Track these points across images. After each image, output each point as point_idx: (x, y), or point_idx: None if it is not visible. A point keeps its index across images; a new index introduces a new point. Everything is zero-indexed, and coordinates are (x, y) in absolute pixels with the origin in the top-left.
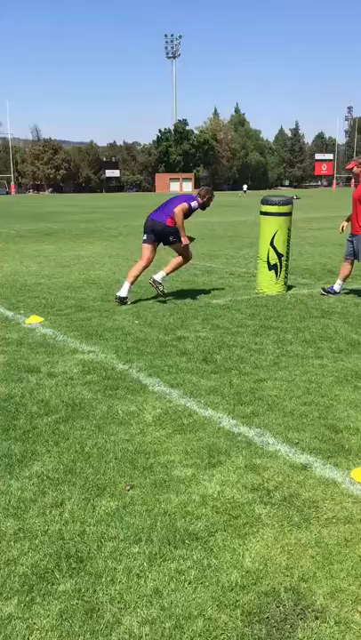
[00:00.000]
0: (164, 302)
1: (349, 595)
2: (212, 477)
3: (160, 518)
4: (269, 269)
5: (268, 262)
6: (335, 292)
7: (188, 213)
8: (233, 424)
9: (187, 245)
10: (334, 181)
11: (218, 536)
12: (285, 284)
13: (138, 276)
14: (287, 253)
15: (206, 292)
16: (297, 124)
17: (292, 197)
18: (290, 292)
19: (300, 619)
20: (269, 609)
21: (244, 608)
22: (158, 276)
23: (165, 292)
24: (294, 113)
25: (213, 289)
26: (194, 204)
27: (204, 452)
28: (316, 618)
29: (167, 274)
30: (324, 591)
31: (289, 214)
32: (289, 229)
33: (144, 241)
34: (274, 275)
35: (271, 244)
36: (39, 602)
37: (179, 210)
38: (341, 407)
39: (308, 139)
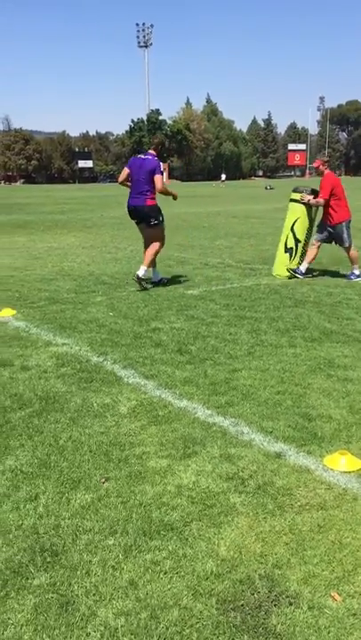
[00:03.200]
0: (139, 292)
1: (322, 580)
2: (188, 468)
3: (135, 510)
4: (285, 251)
5: (286, 245)
6: (301, 274)
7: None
8: (208, 414)
9: (162, 230)
10: (307, 171)
11: (193, 526)
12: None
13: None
14: (306, 240)
15: (181, 282)
16: (269, 115)
17: (266, 187)
18: (264, 280)
19: (275, 605)
20: (244, 596)
21: (219, 596)
22: (141, 272)
23: (147, 284)
24: (267, 103)
25: (188, 279)
26: (161, 166)
27: (179, 442)
28: (290, 604)
29: (148, 267)
30: (297, 577)
31: (310, 204)
32: (312, 219)
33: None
34: (288, 257)
35: (292, 229)
36: (14, 596)
37: (161, 185)
38: (315, 395)
39: (281, 129)
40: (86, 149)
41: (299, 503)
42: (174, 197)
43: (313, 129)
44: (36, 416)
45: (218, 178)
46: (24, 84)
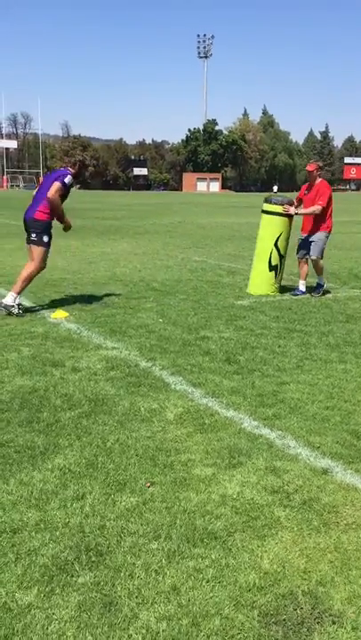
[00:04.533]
0: (189, 301)
1: None
2: (233, 478)
3: (179, 516)
4: (270, 270)
5: (270, 263)
6: (303, 293)
7: (64, 193)
8: (254, 425)
9: (44, 251)
10: None
11: (236, 536)
12: (280, 285)
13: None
14: (285, 254)
15: (230, 292)
16: (327, 127)
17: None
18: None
19: (318, 622)
20: (287, 611)
21: (261, 609)
22: (8, 300)
23: (21, 311)
24: (324, 115)
25: (237, 290)
26: (68, 179)
27: (224, 452)
28: (334, 622)
29: (18, 294)
30: (341, 596)
31: (292, 216)
32: (290, 231)
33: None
34: (273, 276)
35: (275, 244)
36: (59, 593)
37: (53, 193)
38: None
39: (338, 142)
40: (142, 157)
41: (345, 522)
42: (43, 238)
43: None
44: (84, 417)
45: (271, 189)
46: (84, 90)
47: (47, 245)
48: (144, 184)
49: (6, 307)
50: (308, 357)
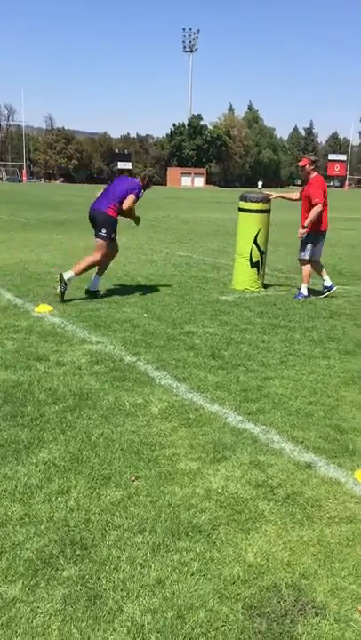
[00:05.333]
0: (174, 295)
1: (350, 593)
2: (217, 472)
3: (164, 510)
4: (252, 267)
5: (251, 260)
6: (327, 288)
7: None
8: (239, 420)
9: (106, 244)
10: (346, 182)
11: (221, 530)
12: (263, 281)
13: (86, 270)
14: (266, 250)
15: (215, 288)
16: (311, 124)
17: None
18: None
19: (301, 614)
20: (270, 603)
21: (245, 601)
22: (66, 275)
23: (63, 293)
24: (309, 112)
25: (222, 285)
26: (141, 194)
27: (209, 446)
28: (317, 614)
29: (76, 275)
30: (324, 589)
31: (269, 211)
32: (268, 226)
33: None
34: (256, 272)
35: (255, 241)
36: (43, 586)
37: (130, 204)
38: (347, 408)
39: (322, 138)
40: (126, 151)
41: (328, 515)
42: (110, 235)
43: (355, 140)
44: (69, 411)
45: (255, 185)
46: (68, 83)
47: (111, 239)
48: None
49: (61, 280)
50: (291, 353)
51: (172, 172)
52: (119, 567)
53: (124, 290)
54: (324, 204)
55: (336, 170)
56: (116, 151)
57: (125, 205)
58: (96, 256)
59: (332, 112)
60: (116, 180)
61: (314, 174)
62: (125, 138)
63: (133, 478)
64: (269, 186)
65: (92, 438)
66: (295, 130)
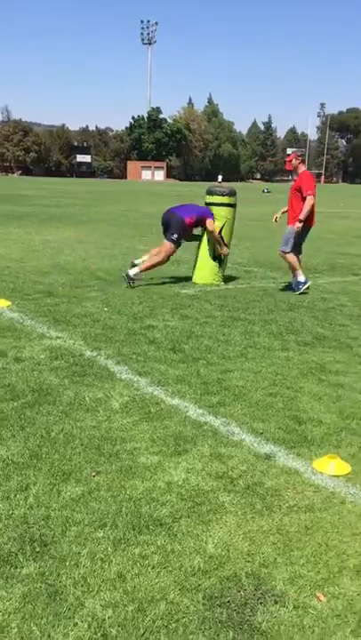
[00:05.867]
0: (133, 288)
1: (308, 580)
2: (178, 465)
3: (125, 504)
4: (214, 260)
5: (214, 253)
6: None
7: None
8: (199, 413)
9: (173, 249)
10: None
11: (182, 522)
12: (224, 274)
13: (150, 269)
14: (229, 244)
15: (176, 281)
16: (270, 118)
17: (263, 190)
18: (258, 284)
19: (260, 603)
20: (230, 593)
21: (205, 592)
22: (132, 271)
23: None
24: (268, 107)
25: (183, 279)
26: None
27: (170, 439)
28: (276, 602)
29: (142, 271)
30: (283, 577)
31: (235, 205)
32: (234, 220)
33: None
34: (218, 265)
35: (219, 234)
36: (2, 585)
37: (212, 225)
38: (306, 399)
39: (281, 133)
40: (85, 144)
41: (287, 504)
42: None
43: (313, 135)
44: (28, 407)
45: (215, 179)
46: (25, 75)
47: (178, 245)
48: (88, 171)
49: (128, 276)
50: (251, 345)
51: (133, 166)
52: (80, 563)
53: (83, 284)
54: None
55: None
56: (75, 144)
57: (210, 227)
58: (163, 257)
59: (290, 107)
60: (195, 206)
61: (302, 168)
62: (84, 131)
63: (94, 473)
64: (229, 180)
65: (52, 434)
66: (254, 124)
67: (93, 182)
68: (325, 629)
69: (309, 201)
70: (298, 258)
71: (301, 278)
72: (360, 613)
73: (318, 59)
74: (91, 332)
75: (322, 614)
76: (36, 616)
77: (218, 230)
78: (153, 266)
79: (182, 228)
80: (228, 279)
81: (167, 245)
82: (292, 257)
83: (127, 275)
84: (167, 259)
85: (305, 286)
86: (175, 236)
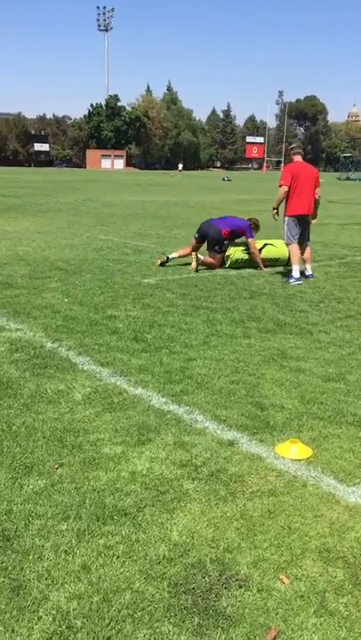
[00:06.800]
0: (95, 279)
1: (272, 563)
2: (142, 454)
3: (89, 495)
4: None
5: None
6: (307, 276)
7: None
8: (163, 402)
9: (221, 258)
10: (265, 164)
11: (146, 511)
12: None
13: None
14: None
15: (137, 271)
16: (229, 106)
17: (224, 179)
18: (220, 272)
19: (225, 588)
20: (195, 580)
21: (170, 580)
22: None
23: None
24: (226, 95)
25: (144, 268)
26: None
27: (133, 429)
28: (240, 586)
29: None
30: (247, 561)
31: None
32: None
33: (195, 237)
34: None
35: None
36: None
37: (254, 245)
38: (268, 385)
39: (240, 121)
40: (43, 132)
41: (250, 490)
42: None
43: (271, 122)
44: None
45: (175, 167)
46: None
47: (222, 252)
48: (46, 160)
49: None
50: (214, 333)
51: (92, 154)
52: (43, 556)
53: (43, 275)
54: (295, 188)
55: (254, 152)
56: (33, 132)
57: (253, 249)
58: (215, 264)
59: (249, 95)
60: (233, 219)
61: (294, 160)
62: (42, 119)
63: (57, 466)
64: (189, 168)
65: (13, 428)
66: (213, 112)
67: (52, 171)
68: (289, 611)
69: (280, 190)
70: (304, 248)
71: (295, 274)
72: (322, 594)
73: (276, 46)
74: (51, 324)
75: (285, 596)
76: None
77: (258, 249)
78: (209, 264)
79: (219, 240)
80: (189, 268)
81: (217, 258)
82: (292, 248)
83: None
84: (220, 263)
85: (295, 282)
86: (217, 247)
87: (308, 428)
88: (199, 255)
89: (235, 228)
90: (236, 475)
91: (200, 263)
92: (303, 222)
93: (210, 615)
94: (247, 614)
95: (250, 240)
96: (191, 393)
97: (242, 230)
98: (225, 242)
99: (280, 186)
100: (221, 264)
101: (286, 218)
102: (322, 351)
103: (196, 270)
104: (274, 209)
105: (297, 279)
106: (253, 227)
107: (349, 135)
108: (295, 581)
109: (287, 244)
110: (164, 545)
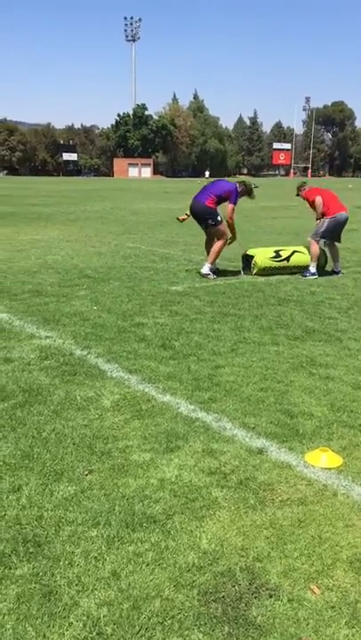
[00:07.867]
0: (123, 287)
1: (302, 573)
2: (170, 462)
3: (118, 502)
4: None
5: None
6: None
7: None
8: (191, 409)
9: (223, 227)
10: (292, 171)
11: (175, 519)
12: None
13: (218, 255)
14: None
15: (165, 278)
16: (255, 113)
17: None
18: (247, 279)
19: (255, 597)
20: (225, 588)
21: (200, 588)
22: (205, 269)
23: (215, 275)
24: (253, 102)
25: (172, 275)
26: (237, 201)
27: (162, 436)
28: (271, 596)
29: (211, 263)
30: (277, 570)
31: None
32: None
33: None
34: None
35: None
36: None
37: (232, 215)
38: (296, 393)
39: (267, 127)
40: (71, 142)
41: (280, 498)
42: (218, 224)
43: (298, 129)
44: (19, 408)
45: (202, 174)
46: (9, 73)
47: (221, 222)
48: (74, 169)
49: (204, 275)
50: (241, 340)
51: (119, 163)
52: (73, 562)
53: (72, 283)
54: (327, 199)
55: (281, 159)
56: (61, 142)
57: (229, 217)
58: (222, 241)
59: (275, 102)
60: (217, 183)
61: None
62: (70, 129)
63: (86, 472)
64: (217, 175)
65: (44, 434)
66: (240, 119)
67: (80, 180)
68: (320, 621)
69: (316, 204)
70: (334, 248)
71: (312, 269)
72: (354, 605)
73: (303, 52)
74: (80, 331)
75: (316, 606)
76: (30, 616)
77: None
78: (219, 250)
79: (209, 212)
80: (219, 274)
81: (219, 231)
82: (313, 246)
83: (200, 272)
84: (226, 238)
85: (311, 276)
86: (210, 221)
87: (339, 436)
88: (202, 270)
89: (220, 192)
90: (266, 483)
91: (215, 258)
92: (343, 223)
93: (240, 624)
94: (278, 624)
95: (230, 206)
96: (219, 400)
97: (227, 194)
98: (216, 211)
99: (313, 201)
100: (227, 234)
101: (328, 219)
102: (351, 358)
103: (209, 278)
104: (317, 219)
105: (313, 273)
106: (242, 190)
107: None
108: (326, 592)
109: (312, 240)
110: (193, 553)
